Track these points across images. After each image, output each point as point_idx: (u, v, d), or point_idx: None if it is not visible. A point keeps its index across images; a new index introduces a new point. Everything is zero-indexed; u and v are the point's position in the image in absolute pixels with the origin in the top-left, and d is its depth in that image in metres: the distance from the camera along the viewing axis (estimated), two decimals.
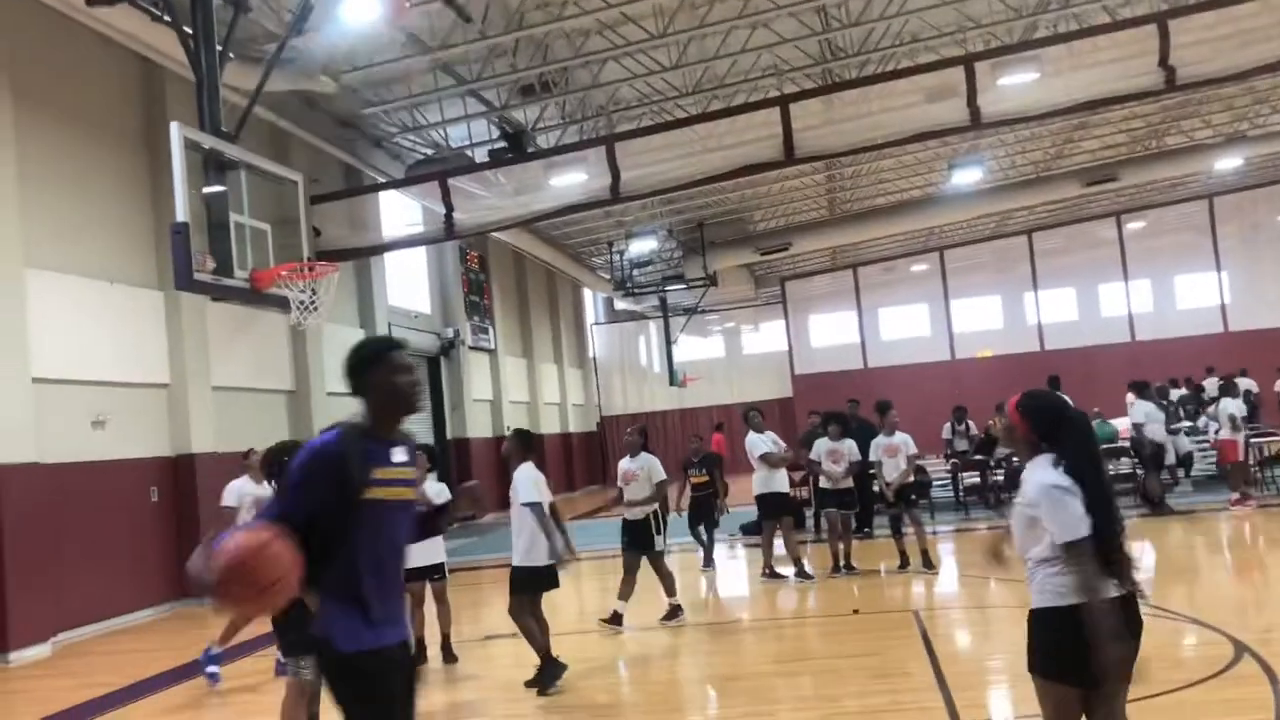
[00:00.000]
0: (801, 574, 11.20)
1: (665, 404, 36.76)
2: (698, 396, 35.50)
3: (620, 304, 34.68)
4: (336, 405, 17.40)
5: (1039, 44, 16.45)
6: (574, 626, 9.82)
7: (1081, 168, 26.44)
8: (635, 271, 28.24)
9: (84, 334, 12.28)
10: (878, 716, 6.28)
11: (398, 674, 3.33)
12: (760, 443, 11.32)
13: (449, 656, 8.67)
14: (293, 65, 12.86)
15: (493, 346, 25.58)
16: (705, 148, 18.92)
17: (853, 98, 19.21)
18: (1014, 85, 15.60)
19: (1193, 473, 17.06)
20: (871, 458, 11.63)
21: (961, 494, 16.69)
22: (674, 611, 9.72)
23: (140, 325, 13.27)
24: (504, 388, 25.94)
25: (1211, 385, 19.05)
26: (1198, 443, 17.13)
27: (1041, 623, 3.78)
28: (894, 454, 11.41)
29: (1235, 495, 14.19)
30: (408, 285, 21.87)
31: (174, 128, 7.63)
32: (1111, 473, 15.75)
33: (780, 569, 11.46)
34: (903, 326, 35.90)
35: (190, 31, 8.81)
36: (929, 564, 11.12)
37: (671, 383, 32.37)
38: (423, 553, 8.53)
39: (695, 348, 36.72)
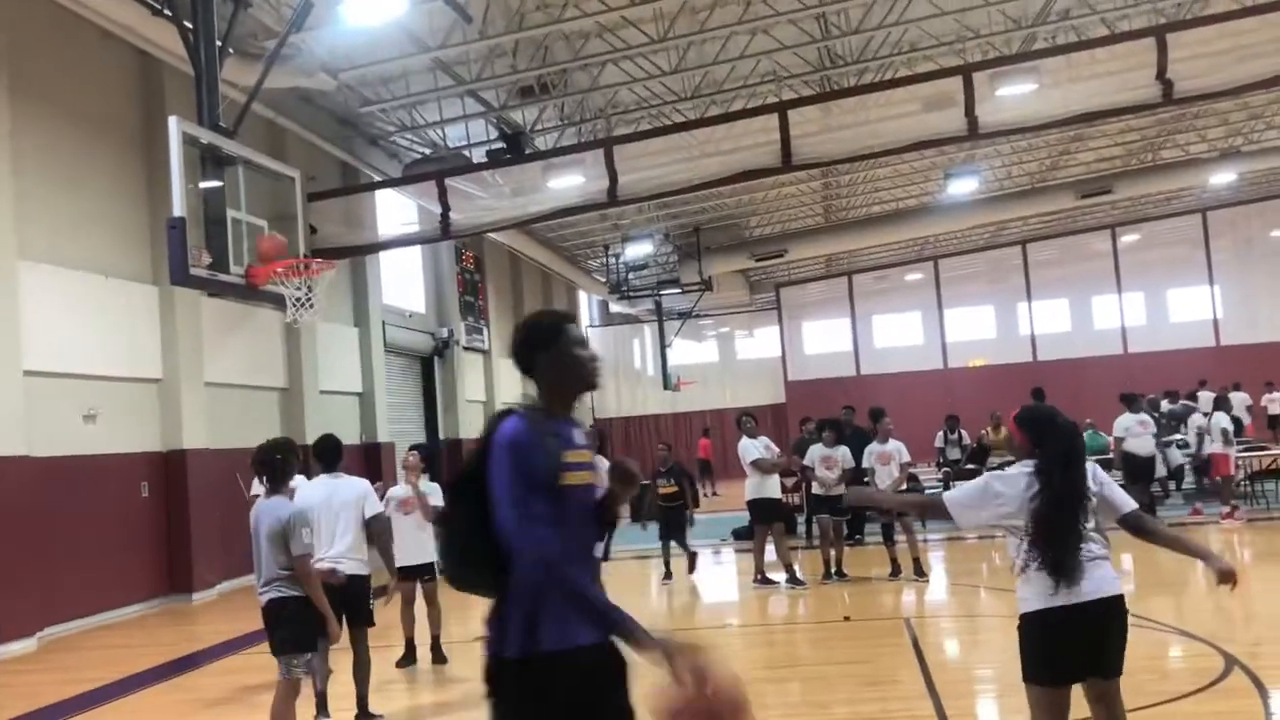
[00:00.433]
0: (793, 580, 11.20)
1: (658, 408, 36.78)
2: (691, 401, 35.51)
3: (615, 307, 34.69)
4: (329, 403, 17.40)
5: (1037, 55, 16.53)
6: None
7: (1077, 180, 26.56)
8: (631, 275, 28.25)
9: (77, 328, 12.23)
10: None
11: (612, 670, 3.03)
12: (753, 448, 11.32)
13: (438, 657, 8.64)
14: (292, 62, 12.84)
15: (487, 347, 25.55)
16: (703, 153, 18.99)
17: (851, 105, 19.30)
18: (1012, 96, 15.67)
19: (1183, 486, 17.10)
20: (865, 465, 11.63)
21: None
22: None
23: (134, 320, 13.22)
24: (497, 389, 25.90)
25: (1205, 399, 19.08)
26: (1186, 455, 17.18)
27: (1018, 630, 4.15)
28: (887, 461, 11.42)
29: (1226, 509, 14.23)
30: (403, 284, 21.83)
31: (172, 122, 7.61)
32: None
33: (772, 575, 11.45)
34: (896, 334, 35.97)
35: (190, 26, 8.80)
36: (920, 572, 11.13)
37: (666, 387, 32.38)
38: (412, 552, 8.50)
39: (689, 352, 36.74)
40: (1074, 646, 3.99)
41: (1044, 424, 4.25)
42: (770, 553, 11.56)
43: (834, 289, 36.55)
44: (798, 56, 17.95)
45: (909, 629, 8.94)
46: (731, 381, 37.26)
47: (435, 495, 8.59)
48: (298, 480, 7.82)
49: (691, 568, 12.57)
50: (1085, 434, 18.15)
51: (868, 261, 35.33)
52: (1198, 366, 26.46)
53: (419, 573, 8.57)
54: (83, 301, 12.36)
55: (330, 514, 6.75)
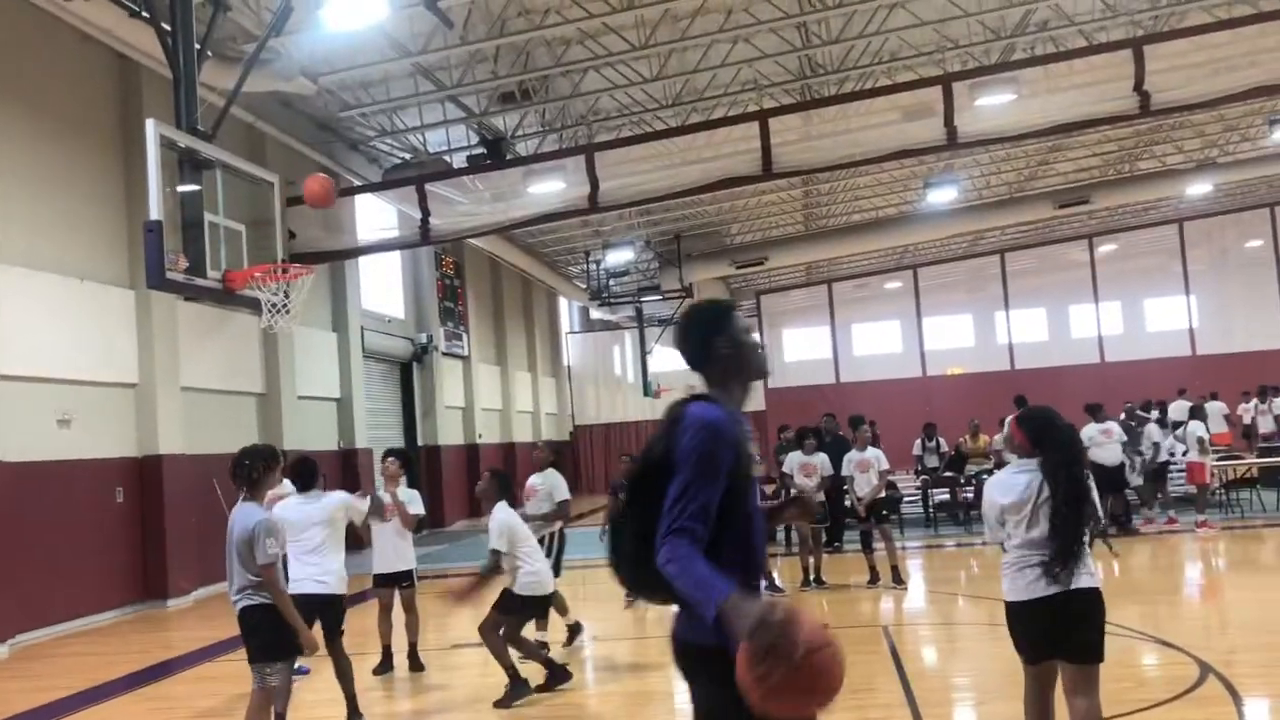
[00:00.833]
0: (772, 587, 11.18)
1: (638, 414, 36.73)
2: None
3: (596, 314, 34.68)
4: (307, 409, 17.30)
5: (1016, 65, 16.63)
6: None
7: (1054, 190, 26.75)
8: (611, 281, 28.24)
9: (52, 331, 12.11)
10: None
11: None
12: None
13: (415, 665, 8.59)
14: (271, 66, 12.77)
15: (466, 353, 25.48)
16: (684, 160, 18.97)
17: (831, 114, 19.32)
18: (991, 106, 15.75)
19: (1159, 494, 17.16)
20: (844, 472, 11.65)
21: (931, 510, 16.75)
22: (575, 631, 9.12)
23: (110, 324, 13.11)
24: (477, 395, 25.83)
25: (1178, 409, 19.20)
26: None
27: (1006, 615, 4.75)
28: (866, 469, 11.43)
29: (1202, 517, 14.33)
30: (382, 289, 21.75)
31: (150, 125, 7.56)
32: None
33: None
34: (875, 342, 36.11)
35: (168, 28, 8.74)
36: (899, 580, 11.13)
37: (646, 393, 32.35)
38: (391, 559, 8.46)
39: (669, 359, 36.68)
40: (1049, 631, 4.45)
41: (1045, 425, 4.62)
42: None
43: (814, 297, 36.68)
44: (779, 65, 18.01)
45: (887, 637, 8.95)
46: None
47: (415, 503, 8.56)
48: (286, 486, 7.79)
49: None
50: None
51: (847, 270, 35.48)
52: (1174, 376, 26.63)
53: (398, 580, 8.53)
54: (58, 305, 12.24)
55: (299, 533, 6.79)
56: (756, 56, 17.27)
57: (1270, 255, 32.54)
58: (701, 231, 28.54)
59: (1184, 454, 15.65)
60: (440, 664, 8.87)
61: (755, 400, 34.69)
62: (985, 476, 4.57)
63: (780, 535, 14.83)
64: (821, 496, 11.80)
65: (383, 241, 17.85)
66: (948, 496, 16.72)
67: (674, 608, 2.88)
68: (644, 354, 32.18)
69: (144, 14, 9.97)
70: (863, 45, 17.49)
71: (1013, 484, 4.61)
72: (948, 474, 16.80)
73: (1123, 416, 16.43)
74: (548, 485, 9.27)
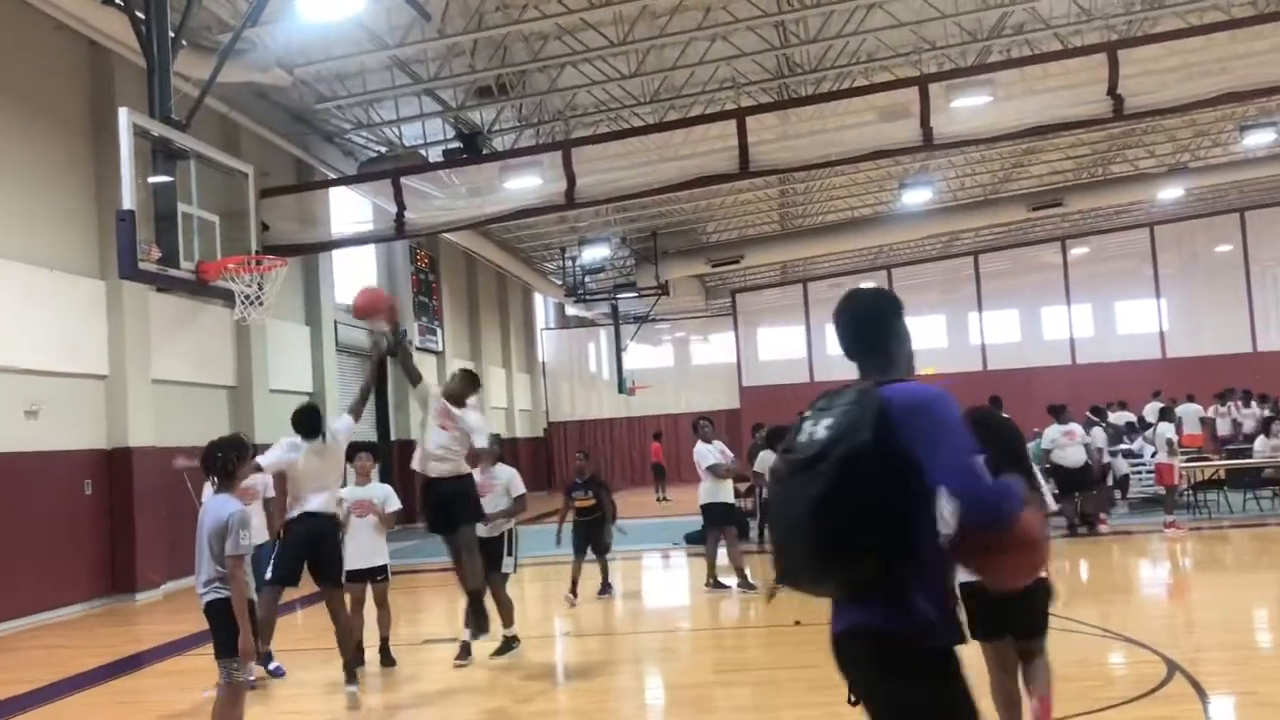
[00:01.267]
0: (745, 584, 11.22)
1: (612, 411, 36.77)
2: (645, 405, 35.53)
3: (571, 310, 34.66)
4: (279, 402, 17.15)
5: (992, 68, 16.76)
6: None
7: (1028, 192, 26.95)
8: (587, 278, 28.23)
9: (20, 321, 11.97)
10: None
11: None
12: (708, 453, 11.34)
13: (387, 660, 8.55)
14: (247, 56, 12.67)
15: (440, 348, 25.38)
16: (661, 157, 19.00)
17: (808, 114, 19.41)
18: (967, 108, 15.85)
19: (1129, 495, 17.36)
20: None
21: None
22: (508, 644, 8.63)
23: (79, 314, 12.98)
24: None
25: (1151, 410, 19.39)
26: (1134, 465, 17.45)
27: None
28: None
29: (1170, 517, 14.47)
30: (356, 283, 21.57)
31: (122, 113, 7.47)
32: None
33: (724, 579, 11.47)
34: None
35: (142, 16, 8.65)
36: None
37: (620, 390, 32.37)
38: (365, 554, 8.43)
39: (644, 356, 36.76)
40: (997, 612, 4.64)
41: (993, 424, 4.89)
42: (722, 557, 11.57)
43: (789, 296, 36.76)
44: (757, 64, 18.04)
45: None
46: (686, 386, 37.34)
47: (392, 499, 8.58)
48: (258, 478, 7.74)
49: (603, 588, 11.57)
50: (1033, 443, 18.47)
51: (822, 269, 35.59)
52: (1144, 378, 26.88)
53: (371, 575, 8.49)
54: (27, 295, 12.09)
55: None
56: (734, 55, 17.29)
57: (1239, 260, 32.88)
58: (678, 229, 28.57)
59: (1153, 455, 15.82)
60: (412, 659, 8.84)
61: (730, 398, 34.90)
62: None
63: (754, 533, 14.90)
64: None
65: (357, 235, 17.72)
66: None
67: (827, 600, 2.89)
68: (619, 351, 32.17)
69: (117, 1, 9.87)
70: (840, 45, 17.54)
71: None
72: None
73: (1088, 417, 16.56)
74: (505, 481, 9.11)
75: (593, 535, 11.21)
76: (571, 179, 15.04)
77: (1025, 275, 34.77)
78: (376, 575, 8.51)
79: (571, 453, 34.64)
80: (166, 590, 13.75)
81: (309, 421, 7.60)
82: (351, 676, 7.09)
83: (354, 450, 8.67)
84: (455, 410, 8.11)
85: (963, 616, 3.87)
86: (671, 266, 28.13)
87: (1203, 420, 21.82)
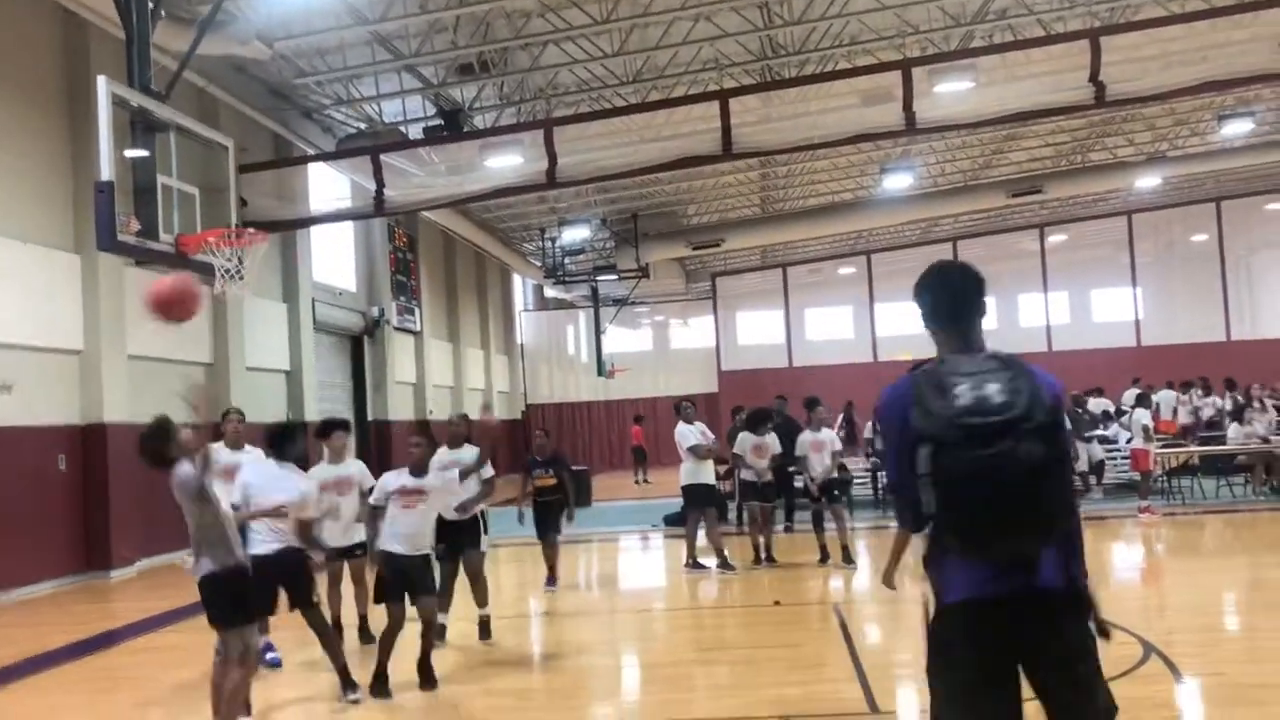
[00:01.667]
0: (724, 565, 11.24)
1: (590, 394, 36.71)
2: (623, 388, 35.50)
3: (550, 292, 34.55)
4: (256, 379, 17.05)
5: (975, 53, 16.75)
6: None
7: (1008, 179, 27.02)
8: (567, 260, 28.13)
9: None
10: (796, 705, 6.30)
11: None
12: (689, 434, 11.34)
13: (366, 637, 8.51)
14: (226, 29, 12.51)
15: (418, 328, 25.24)
16: (643, 138, 18.92)
17: (791, 96, 19.36)
18: (949, 93, 15.85)
19: (1104, 480, 17.49)
20: (798, 453, 11.73)
21: (881, 492, 16.91)
22: (486, 625, 8.53)
23: (54, 288, 12.82)
24: (428, 371, 25.63)
25: (1128, 397, 19.52)
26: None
27: None
28: (820, 449, 11.52)
29: (1145, 503, 14.59)
30: (333, 261, 21.46)
31: (101, 81, 7.36)
32: None
33: (703, 560, 11.48)
34: (827, 327, 36.33)
35: None
36: (849, 559, 11.22)
37: (599, 373, 32.31)
38: (343, 532, 8.37)
39: (623, 339, 36.70)
40: None
41: None
42: (701, 538, 11.58)
43: (769, 280, 36.78)
44: (740, 45, 17.96)
45: (837, 614, 9.03)
46: (665, 370, 37.32)
47: (368, 477, 8.49)
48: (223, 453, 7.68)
49: (550, 580, 10.81)
50: None
51: (802, 254, 35.61)
52: (1119, 366, 27.06)
53: (349, 552, 8.44)
54: (1, 268, 11.93)
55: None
56: (718, 35, 17.21)
57: (1214, 250, 33.15)
58: (659, 211, 28.50)
59: (1128, 441, 15.94)
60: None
61: (708, 382, 34.92)
62: None
63: (731, 515, 14.90)
64: (770, 476, 11.88)
65: (336, 212, 17.63)
66: None
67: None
68: (598, 333, 32.10)
69: None
70: (824, 27, 17.49)
71: None
72: None
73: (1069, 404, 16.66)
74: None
75: (551, 516, 10.64)
76: (553, 158, 14.97)
77: (1003, 262, 34.86)
78: (355, 551, 8.44)
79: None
80: (141, 568, 13.64)
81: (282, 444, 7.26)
82: (349, 684, 6.93)
83: (331, 427, 8.55)
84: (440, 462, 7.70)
85: None
86: (652, 249, 28.07)
87: (1176, 409, 21.98)
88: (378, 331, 22.73)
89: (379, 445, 22.24)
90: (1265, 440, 16.56)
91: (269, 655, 7.86)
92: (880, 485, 16.99)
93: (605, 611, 10.31)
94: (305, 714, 6.87)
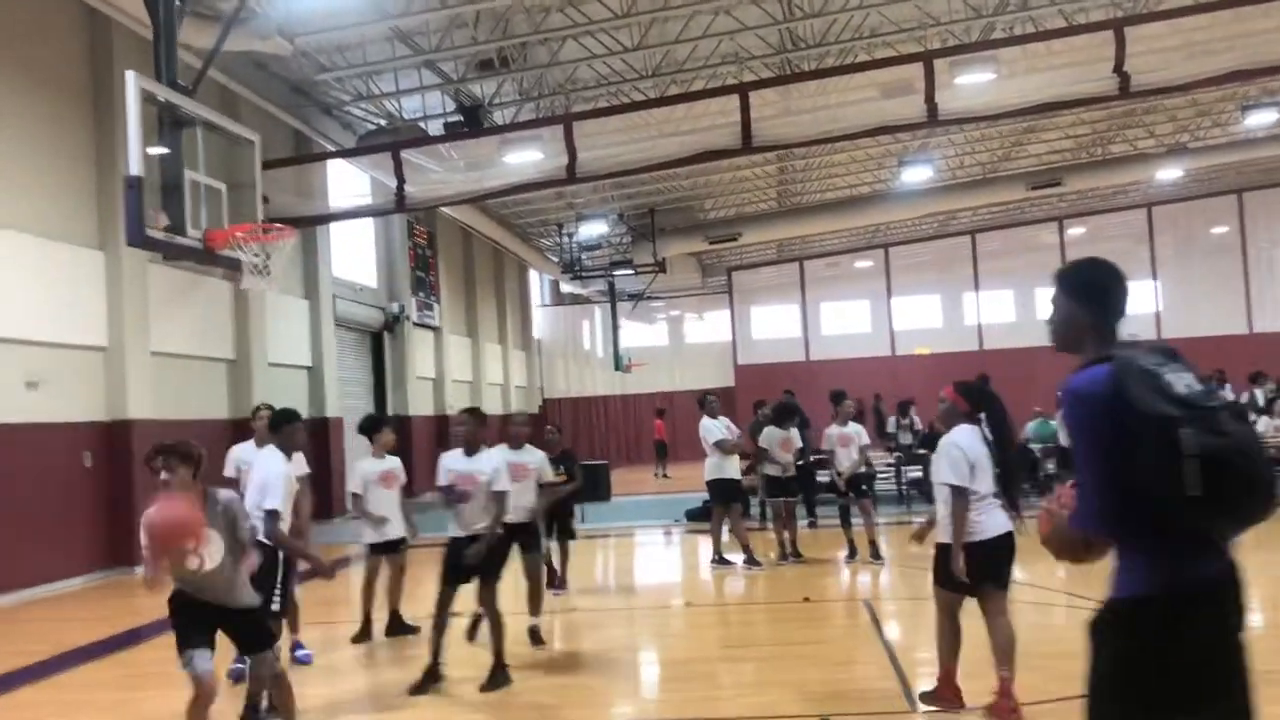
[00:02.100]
0: (750, 561, 11.20)
1: (606, 389, 36.72)
2: (639, 383, 35.49)
3: (566, 287, 34.54)
4: (278, 376, 17.09)
5: (997, 44, 16.62)
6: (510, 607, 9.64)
7: (1027, 171, 26.87)
8: (584, 255, 28.11)
9: (20, 291, 11.84)
10: (832, 704, 6.26)
11: None
12: (714, 429, 11.28)
13: (395, 629, 8.56)
14: (248, 24, 12.49)
15: (437, 324, 25.26)
16: (662, 132, 18.86)
17: (810, 89, 19.29)
18: (970, 84, 15.75)
19: None
20: (825, 447, 11.68)
21: (904, 487, 16.83)
22: (536, 633, 8.20)
23: (79, 285, 12.84)
24: (447, 366, 25.66)
25: None
26: None
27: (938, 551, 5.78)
28: (847, 444, 11.46)
29: None
30: (353, 257, 21.49)
31: (130, 76, 7.34)
32: (1049, 472, 16.03)
33: (729, 555, 11.44)
34: (844, 321, 36.23)
35: None
36: (877, 555, 11.15)
37: (617, 367, 32.28)
38: (392, 527, 8.49)
39: (639, 334, 36.69)
40: (987, 565, 5.54)
41: (983, 393, 5.90)
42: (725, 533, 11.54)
43: (785, 274, 36.71)
44: (759, 38, 17.90)
45: (869, 610, 8.97)
46: (680, 364, 37.30)
47: (402, 472, 8.59)
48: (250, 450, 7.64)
49: (552, 580, 10.18)
50: (1034, 422, 18.47)
51: (819, 248, 35.51)
52: None
53: (392, 547, 8.52)
54: (27, 265, 11.97)
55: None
56: (737, 29, 17.16)
57: (1236, 241, 32.93)
58: (675, 206, 28.46)
59: None
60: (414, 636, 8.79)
61: (725, 376, 34.88)
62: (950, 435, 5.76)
63: (755, 510, 14.87)
64: (794, 471, 11.84)
65: (356, 208, 17.60)
66: (921, 474, 16.77)
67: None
68: (615, 328, 32.07)
69: None
70: (844, 20, 17.41)
71: (972, 443, 5.63)
72: (921, 451, 16.86)
73: None
74: (537, 465, 8.40)
75: (561, 514, 10.22)
76: (573, 153, 14.91)
77: (1022, 255, 34.74)
78: (400, 545, 8.54)
79: (566, 430, 34.66)
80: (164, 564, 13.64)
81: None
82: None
83: (379, 424, 8.82)
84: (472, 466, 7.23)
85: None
86: (669, 244, 28.03)
87: None
88: (398, 327, 22.75)
89: (400, 440, 22.23)
90: None
91: (299, 653, 7.87)
92: (904, 480, 16.90)
93: (631, 608, 10.25)
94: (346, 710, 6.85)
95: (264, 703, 5.98)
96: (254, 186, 9.53)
